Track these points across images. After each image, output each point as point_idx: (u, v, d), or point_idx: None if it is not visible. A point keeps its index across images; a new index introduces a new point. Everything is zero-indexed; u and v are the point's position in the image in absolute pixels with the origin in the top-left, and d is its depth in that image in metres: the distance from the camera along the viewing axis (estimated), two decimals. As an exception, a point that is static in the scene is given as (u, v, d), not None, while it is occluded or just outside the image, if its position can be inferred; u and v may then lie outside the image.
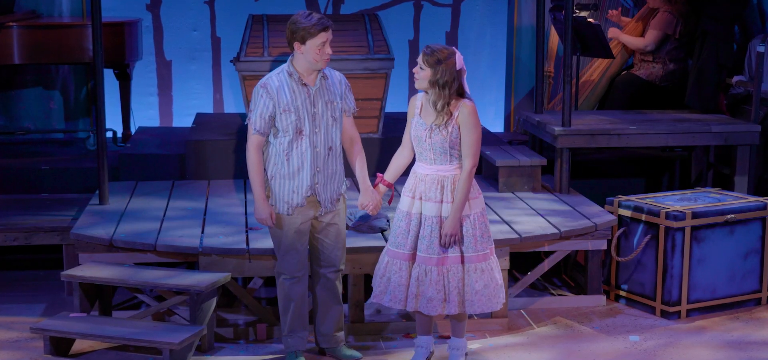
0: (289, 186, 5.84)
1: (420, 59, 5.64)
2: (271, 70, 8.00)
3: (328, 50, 5.76)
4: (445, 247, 5.67)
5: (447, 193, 5.67)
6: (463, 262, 5.72)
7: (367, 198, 5.97)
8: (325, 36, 5.72)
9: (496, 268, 5.82)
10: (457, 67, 5.60)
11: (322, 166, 5.86)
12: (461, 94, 5.65)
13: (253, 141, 5.81)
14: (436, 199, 5.68)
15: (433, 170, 5.71)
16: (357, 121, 6.10)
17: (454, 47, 5.66)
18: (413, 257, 5.76)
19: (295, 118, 5.77)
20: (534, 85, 9.29)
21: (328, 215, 5.96)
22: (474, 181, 5.76)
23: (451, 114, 5.62)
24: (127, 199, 7.64)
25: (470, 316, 6.79)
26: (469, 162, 5.63)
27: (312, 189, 5.86)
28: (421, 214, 5.72)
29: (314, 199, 5.89)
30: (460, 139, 5.64)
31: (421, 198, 5.73)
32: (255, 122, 5.78)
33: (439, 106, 5.60)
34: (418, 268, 5.72)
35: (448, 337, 6.14)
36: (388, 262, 5.82)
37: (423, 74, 5.63)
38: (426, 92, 5.67)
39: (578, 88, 9.30)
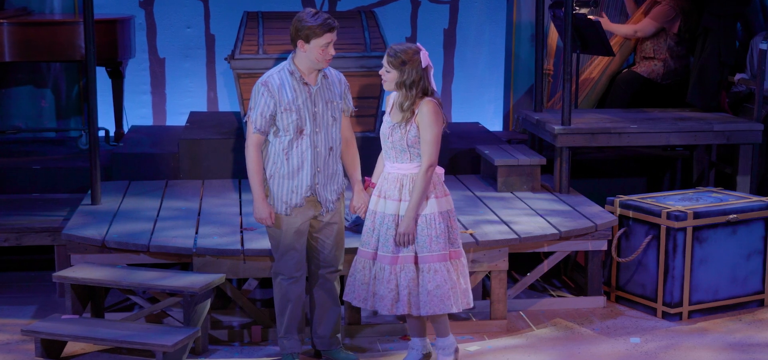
0: (288, 186, 5.79)
1: (384, 61, 5.64)
2: (266, 68, 7.98)
3: (332, 51, 5.74)
4: (399, 246, 5.65)
5: (405, 191, 5.68)
6: (417, 262, 5.68)
7: (360, 201, 5.95)
8: (330, 37, 5.70)
9: (456, 272, 5.75)
10: (423, 65, 5.60)
11: (322, 166, 5.82)
12: (426, 92, 5.62)
13: (252, 140, 5.76)
14: (395, 197, 5.69)
15: (394, 169, 5.73)
16: (353, 120, 6.04)
17: (418, 45, 5.66)
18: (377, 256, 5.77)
19: (296, 118, 5.73)
20: (533, 83, 9.26)
21: (327, 215, 5.91)
22: (439, 181, 5.75)
23: (413, 112, 5.61)
24: (120, 199, 7.60)
25: (468, 318, 6.82)
26: (426, 161, 5.61)
27: (312, 189, 5.82)
28: (383, 212, 5.72)
29: (314, 199, 5.86)
30: (419, 138, 5.63)
31: (384, 197, 5.73)
32: (255, 121, 5.73)
33: (405, 106, 5.62)
34: (376, 266, 5.75)
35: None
36: (355, 260, 5.86)
37: (389, 76, 5.64)
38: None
39: (578, 86, 9.28)
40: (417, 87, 5.59)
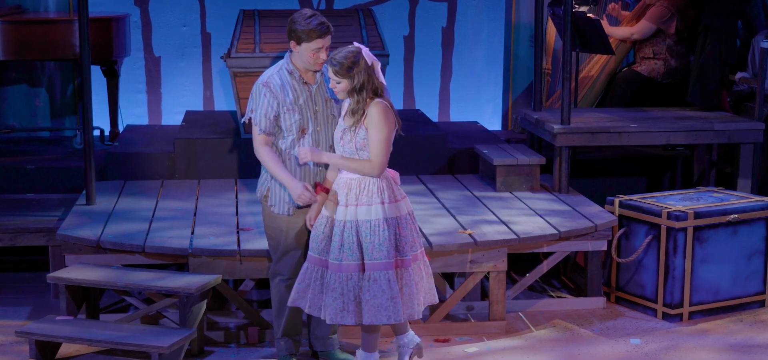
0: None
1: (331, 74, 5.50)
2: (262, 67, 7.94)
3: (323, 56, 5.68)
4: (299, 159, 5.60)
5: (352, 196, 5.55)
6: (363, 270, 5.56)
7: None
8: (321, 42, 5.64)
9: (400, 280, 5.59)
10: (369, 64, 5.51)
11: (324, 165, 5.75)
12: (377, 92, 5.53)
13: (260, 140, 5.73)
14: (343, 202, 5.57)
15: (343, 174, 5.61)
16: None
17: (357, 45, 5.56)
18: (321, 262, 5.63)
19: (299, 118, 5.70)
20: (532, 82, 9.22)
21: None
22: (389, 186, 5.60)
23: (363, 113, 5.51)
24: (115, 199, 7.55)
25: (467, 319, 6.79)
26: (375, 161, 5.48)
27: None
28: (332, 217, 5.60)
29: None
30: (368, 141, 5.53)
31: (337, 203, 5.61)
32: (260, 122, 5.70)
33: (356, 109, 5.51)
34: (326, 273, 5.60)
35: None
36: (307, 267, 5.69)
37: (341, 87, 5.52)
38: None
39: (577, 85, 9.22)
40: (367, 89, 5.48)
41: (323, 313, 5.59)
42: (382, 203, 5.54)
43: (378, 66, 5.57)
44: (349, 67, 5.45)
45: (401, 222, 5.60)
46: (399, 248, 5.58)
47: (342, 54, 5.48)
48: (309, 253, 5.69)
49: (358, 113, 5.49)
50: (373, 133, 5.48)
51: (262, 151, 5.71)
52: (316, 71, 5.76)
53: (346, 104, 5.60)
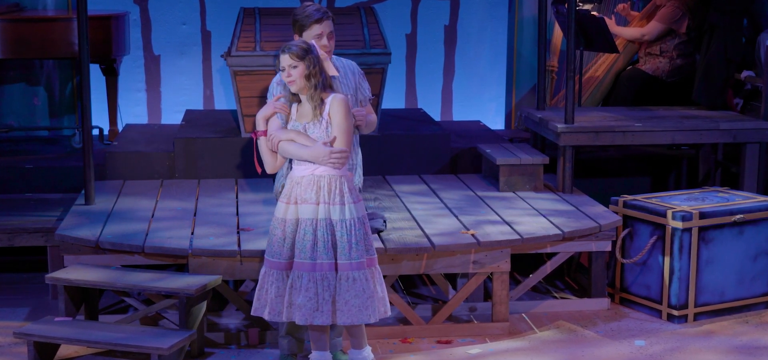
0: None
1: (288, 59, 5.43)
2: (262, 65, 7.96)
3: (326, 42, 5.70)
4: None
5: (323, 193, 5.49)
6: (337, 269, 5.51)
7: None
8: (319, 28, 5.67)
9: (373, 279, 5.58)
10: (320, 56, 5.54)
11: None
12: (331, 86, 5.54)
13: None
14: (312, 200, 5.50)
15: (309, 172, 5.52)
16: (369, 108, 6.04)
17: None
18: (291, 266, 5.56)
19: None
20: (536, 81, 9.18)
21: None
22: (355, 186, 5.59)
23: (322, 101, 5.48)
24: (114, 198, 7.52)
25: (470, 320, 6.76)
26: (342, 145, 5.46)
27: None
28: (297, 218, 5.53)
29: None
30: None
31: (296, 202, 5.53)
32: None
33: (316, 98, 5.47)
34: (292, 275, 5.53)
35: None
36: (266, 273, 5.63)
37: (297, 72, 5.44)
38: (300, 94, 5.51)
39: (582, 84, 9.21)
40: (322, 75, 5.46)
41: (294, 315, 5.51)
42: (354, 202, 5.53)
43: (328, 61, 5.58)
44: (306, 50, 5.44)
45: (365, 221, 5.59)
46: (367, 246, 5.58)
47: (294, 41, 5.51)
48: (266, 257, 5.63)
49: (315, 99, 5.46)
50: (341, 123, 5.45)
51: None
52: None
53: (294, 112, 5.58)
